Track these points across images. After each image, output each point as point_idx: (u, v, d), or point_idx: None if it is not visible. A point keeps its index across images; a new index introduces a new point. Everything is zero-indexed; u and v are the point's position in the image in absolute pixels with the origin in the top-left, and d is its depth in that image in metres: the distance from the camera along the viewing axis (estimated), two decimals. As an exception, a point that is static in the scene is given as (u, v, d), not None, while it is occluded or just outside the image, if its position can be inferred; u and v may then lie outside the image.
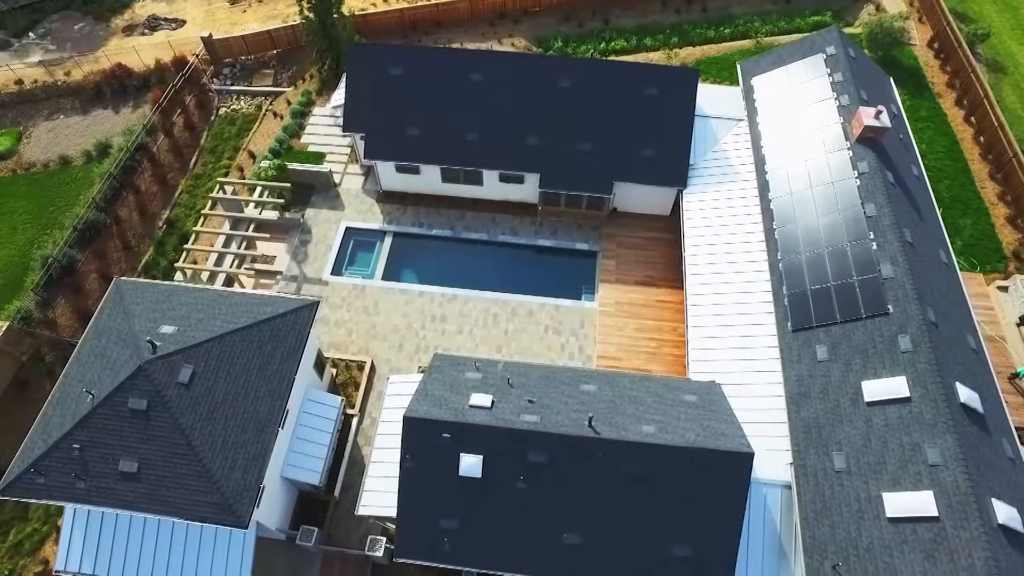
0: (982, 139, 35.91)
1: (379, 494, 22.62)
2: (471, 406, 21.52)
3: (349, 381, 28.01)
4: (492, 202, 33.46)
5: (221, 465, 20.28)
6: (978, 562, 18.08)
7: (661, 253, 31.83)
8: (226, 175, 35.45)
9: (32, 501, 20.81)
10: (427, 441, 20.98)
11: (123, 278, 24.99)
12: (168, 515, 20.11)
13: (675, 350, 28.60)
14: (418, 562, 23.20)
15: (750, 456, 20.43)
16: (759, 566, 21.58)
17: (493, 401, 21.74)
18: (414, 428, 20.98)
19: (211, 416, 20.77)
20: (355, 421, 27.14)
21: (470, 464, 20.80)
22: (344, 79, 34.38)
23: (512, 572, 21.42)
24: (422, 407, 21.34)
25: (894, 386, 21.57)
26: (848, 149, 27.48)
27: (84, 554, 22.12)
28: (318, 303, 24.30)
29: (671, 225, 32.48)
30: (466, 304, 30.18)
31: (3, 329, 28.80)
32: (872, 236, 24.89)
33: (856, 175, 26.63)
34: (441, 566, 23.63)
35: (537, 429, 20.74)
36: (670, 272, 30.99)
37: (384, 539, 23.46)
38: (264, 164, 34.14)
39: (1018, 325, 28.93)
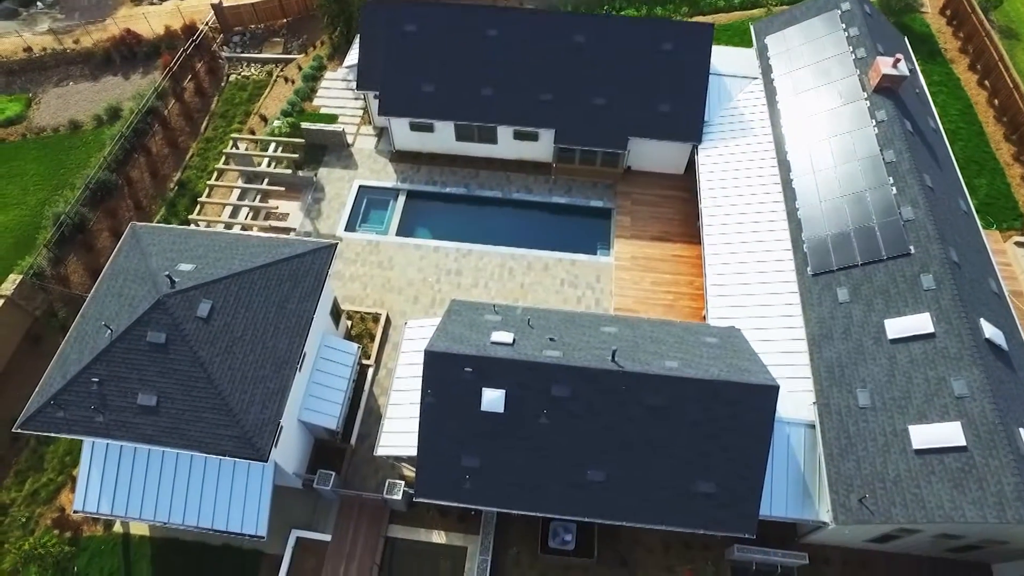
0: (996, 102, 35.79)
1: (398, 435, 22.45)
2: (492, 343, 21.35)
3: (364, 333, 27.84)
4: (506, 161, 33.34)
5: (240, 399, 20.11)
6: (1007, 488, 17.91)
7: (676, 210, 31.68)
8: (236, 145, 35.27)
9: (51, 435, 20.63)
10: (448, 376, 20.80)
11: (138, 222, 24.79)
12: (187, 449, 19.92)
13: (692, 303, 28.44)
14: (438, 502, 23.07)
15: (775, 389, 20.27)
16: (783, 504, 21.42)
17: (514, 339, 21.57)
18: (435, 363, 20.80)
19: (230, 351, 20.61)
20: (371, 371, 26.98)
21: (492, 399, 20.63)
22: (357, 40, 34.27)
23: (535, 512, 21.27)
24: (443, 343, 21.17)
25: (918, 323, 21.42)
26: (866, 99, 27.35)
27: (102, 494, 21.94)
28: (336, 245, 24.15)
29: (685, 183, 32.35)
30: (481, 259, 30.03)
31: (16, 283, 28.62)
32: (892, 181, 24.75)
33: (874, 124, 26.49)
34: (462, 507, 23.58)
35: (560, 363, 20.57)
36: (686, 228, 30.85)
37: (403, 483, 23.27)
38: (276, 123, 34.01)
39: (1036, 279, 28.78)
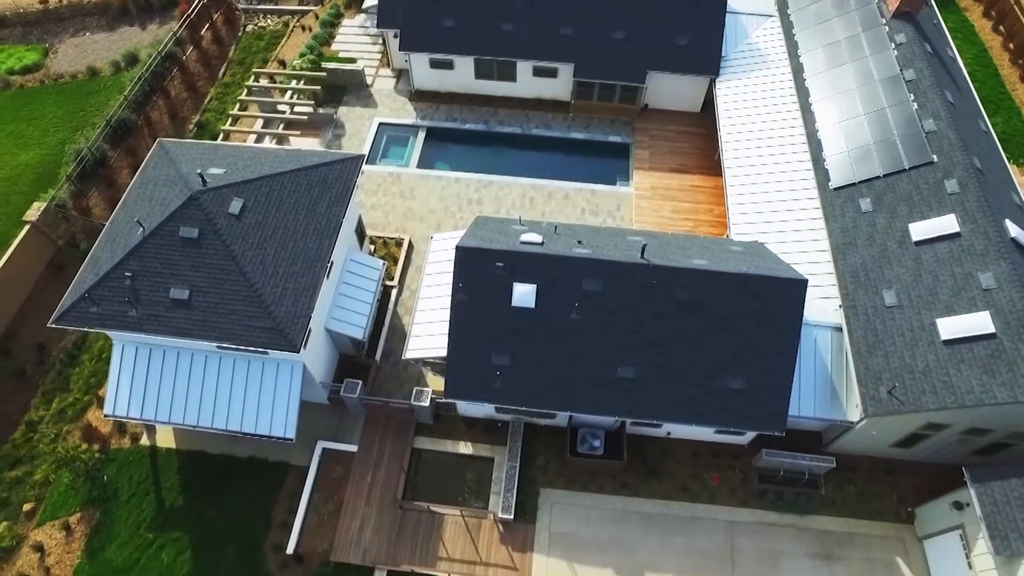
0: (1011, 46, 36.05)
1: (426, 338, 22.58)
2: (522, 242, 21.49)
3: (387, 256, 27.97)
4: (525, 100, 33.54)
5: (272, 292, 20.23)
6: (1039, 367, 18.06)
7: (694, 145, 31.90)
8: (257, 80, 35.51)
9: (84, 329, 20.69)
10: (479, 272, 20.93)
11: (165, 138, 24.92)
12: (219, 341, 20.00)
13: (712, 229, 28.62)
14: (465, 414, 23.22)
15: (804, 283, 20.42)
16: (811, 405, 21.55)
17: (543, 240, 21.72)
18: (466, 258, 20.93)
19: (262, 246, 20.74)
20: (394, 292, 27.12)
21: (523, 293, 20.75)
22: (375, -17, 34.49)
23: (565, 410, 21.39)
24: (474, 241, 21.30)
25: (943, 224, 21.59)
26: (884, 24, 27.58)
27: (132, 399, 22.02)
28: (363, 157, 24.28)
29: (702, 121, 32.58)
30: (502, 189, 30.21)
31: (41, 210, 28.75)
32: (912, 97, 24.95)
33: (894, 46, 26.71)
34: (488, 419, 23.75)
35: (591, 257, 20.71)
36: (704, 161, 31.08)
37: (430, 390, 23.37)
38: (297, 61, 34.22)
39: (1053, 208, 28.93)
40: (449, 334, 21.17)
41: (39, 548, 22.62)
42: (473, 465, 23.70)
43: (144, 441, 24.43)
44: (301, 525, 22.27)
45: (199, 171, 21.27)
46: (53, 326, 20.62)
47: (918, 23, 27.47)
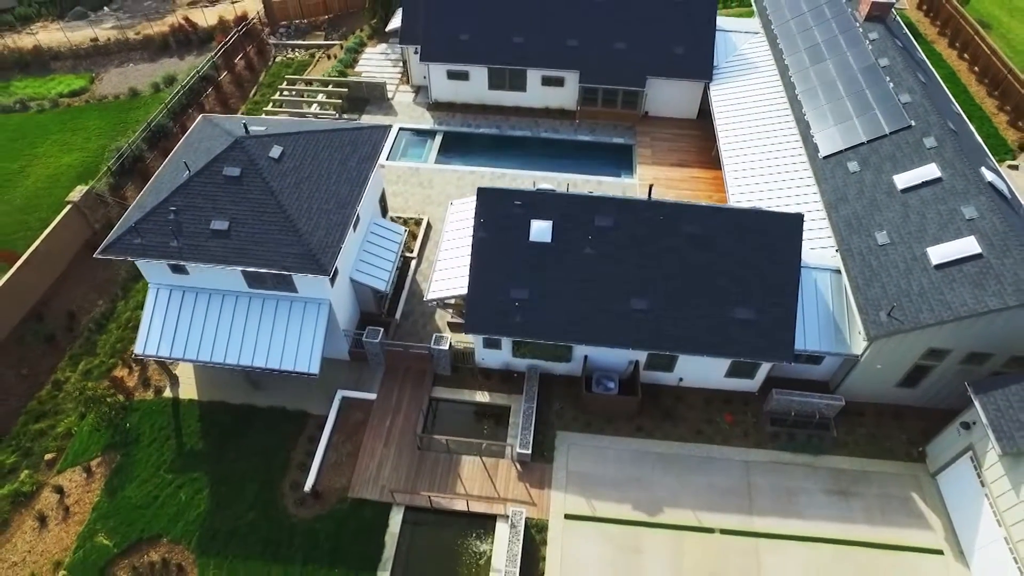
0: (976, 68, 39.44)
1: (446, 281, 23.80)
2: (537, 189, 23.19)
3: (408, 233, 29.52)
4: (534, 109, 36.36)
5: (306, 224, 21.68)
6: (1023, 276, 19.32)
7: (692, 145, 34.34)
8: (288, 86, 38.51)
9: (127, 259, 21.90)
10: (499, 210, 22.49)
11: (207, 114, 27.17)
12: (255, 266, 21.19)
13: (713, 210, 30.39)
14: (482, 361, 23.98)
15: (800, 217, 21.97)
16: (816, 339, 22.47)
17: (555, 189, 23.43)
18: (487, 198, 22.56)
19: (298, 186, 22.39)
20: (413, 263, 28.51)
21: (541, 228, 22.21)
22: (399, 12, 38.17)
23: (581, 342, 22.28)
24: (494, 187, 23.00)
25: (925, 172, 23.43)
26: (859, 26, 30.70)
27: (162, 339, 22.93)
28: (390, 127, 26.43)
29: (698, 125, 35.23)
30: (514, 180, 32.23)
31: (83, 193, 30.63)
32: (888, 79, 27.52)
33: (868, 42, 29.66)
34: (504, 369, 24.52)
35: (602, 195, 22.34)
36: (702, 157, 33.40)
37: (449, 336, 24.29)
38: (327, 70, 37.37)
39: (1031, 194, 30.95)
40: (470, 271, 22.44)
41: (59, 490, 22.73)
42: (491, 412, 24.21)
43: (167, 394, 24.99)
44: (320, 464, 22.52)
45: (243, 124, 23.29)
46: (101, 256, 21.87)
47: (888, 25, 30.58)
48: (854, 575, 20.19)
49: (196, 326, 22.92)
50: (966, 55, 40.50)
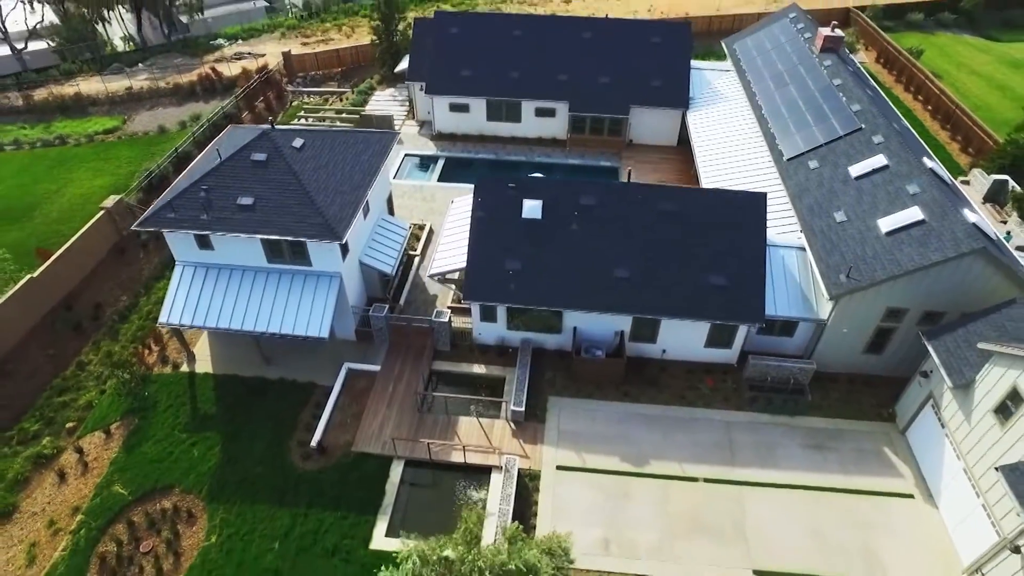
0: (929, 107, 43.54)
1: (447, 258, 26.15)
2: (529, 176, 25.99)
3: (412, 237, 32.14)
4: (528, 139, 39.90)
5: (324, 200, 24.25)
6: (959, 233, 21.72)
7: (673, 167, 37.61)
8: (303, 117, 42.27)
9: (161, 229, 24.31)
10: (495, 195, 25.18)
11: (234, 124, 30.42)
12: (276, 235, 23.54)
13: (692, 215, 33.16)
14: (479, 337, 25.89)
15: (764, 195, 24.65)
16: (786, 304, 24.59)
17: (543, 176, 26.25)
18: (484, 186, 25.35)
19: (317, 171, 25.16)
20: (416, 260, 30.92)
21: (532, 207, 24.81)
22: (406, 57, 42.58)
23: (569, 308, 24.36)
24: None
25: (874, 161, 26.37)
26: (815, 57, 34.70)
27: (185, 309, 24.99)
28: (398, 133, 29.59)
29: (678, 152, 38.67)
30: (509, 192, 35.19)
31: (114, 201, 33.44)
32: (842, 95, 31.05)
33: (824, 67, 33.52)
34: (500, 345, 26.38)
35: (586, 180, 25.08)
36: (683, 177, 36.50)
37: (449, 311, 26.32)
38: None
39: (984, 203, 33.90)
40: (469, 245, 24.85)
41: (79, 450, 24.04)
42: (487, 382, 25.86)
43: (184, 368, 26.71)
44: (326, 423, 23.98)
45: (269, 121, 26.39)
46: (137, 229, 24.25)
47: (840, 55, 34.57)
48: (832, 516, 21.34)
49: (217, 297, 25.02)
50: (920, 96, 44.73)
